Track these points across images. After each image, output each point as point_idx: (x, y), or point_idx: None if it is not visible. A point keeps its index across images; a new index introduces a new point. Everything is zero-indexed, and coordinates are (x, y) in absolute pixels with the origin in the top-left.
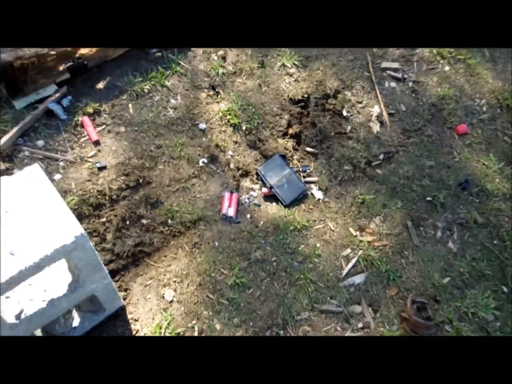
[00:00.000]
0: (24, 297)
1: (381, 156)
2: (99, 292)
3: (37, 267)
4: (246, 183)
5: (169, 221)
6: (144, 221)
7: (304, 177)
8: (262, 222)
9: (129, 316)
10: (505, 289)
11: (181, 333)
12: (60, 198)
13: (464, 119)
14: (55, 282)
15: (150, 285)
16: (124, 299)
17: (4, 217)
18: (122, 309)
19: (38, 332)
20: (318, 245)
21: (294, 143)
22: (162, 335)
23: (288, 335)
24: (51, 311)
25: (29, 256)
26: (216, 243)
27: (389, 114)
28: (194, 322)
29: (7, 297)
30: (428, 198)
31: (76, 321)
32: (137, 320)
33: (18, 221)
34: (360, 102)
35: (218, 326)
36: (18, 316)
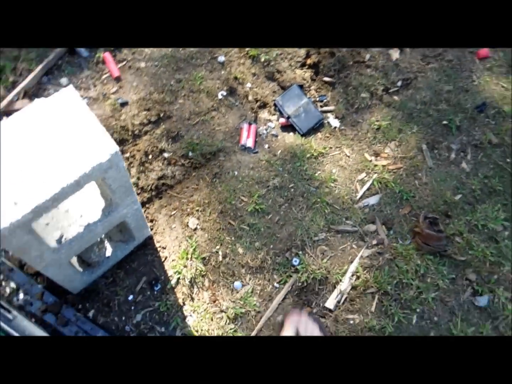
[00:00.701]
0: (62, 223)
1: (399, 83)
2: (130, 218)
3: (76, 185)
4: (264, 114)
5: (190, 154)
6: (166, 155)
7: (321, 106)
8: (279, 151)
9: (157, 245)
10: None
11: (206, 258)
12: (94, 118)
13: None
14: (90, 208)
15: (174, 215)
16: (151, 229)
17: (41, 138)
18: (150, 238)
19: (75, 262)
20: (334, 170)
21: (312, 74)
22: (190, 261)
23: (306, 256)
24: (88, 235)
25: (69, 174)
26: (236, 173)
27: None
28: (217, 247)
29: (47, 224)
30: (444, 122)
31: (108, 250)
32: (164, 248)
33: (55, 141)
34: None
35: (240, 250)
36: (59, 241)
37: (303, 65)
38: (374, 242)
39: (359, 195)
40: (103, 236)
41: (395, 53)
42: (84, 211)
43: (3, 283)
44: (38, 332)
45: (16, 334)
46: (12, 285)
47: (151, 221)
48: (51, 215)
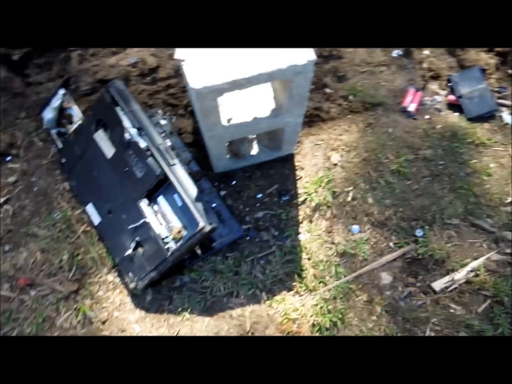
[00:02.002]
0: (235, 109)
1: None
2: (289, 128)
3: (269, 76)
4: (433, 86)
5: (350, 97)
6: (327, 90)
7: (498, 98)
8: (440, 126)
9: (296, 164)
10: None
11: (337, 193)
12: None
13: None
14: (261, 106)
15: (319, 145)
16: (295, 149)
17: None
18: (292, 156)
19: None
20: (491, 165)
21: (498, 62)
22: (322, 189)
23: (432, 232)
24: (251, 126)
25: (268, 65)
26: (390, 130)
27: None
28: (350, 188)
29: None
30: None
31: (254, 150)
32: (302, 169)
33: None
34: None
35: (370, 200)
36: (228, 121)
37: (490, 50)
38: (508, 250)
39: (510, 199)
40: (254, 136)
41: None
42: (255, 106)
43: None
44: (188, 181)
45: (173, 179)
46: (169, 143)
47: (297, 142)
48: (231, 99)
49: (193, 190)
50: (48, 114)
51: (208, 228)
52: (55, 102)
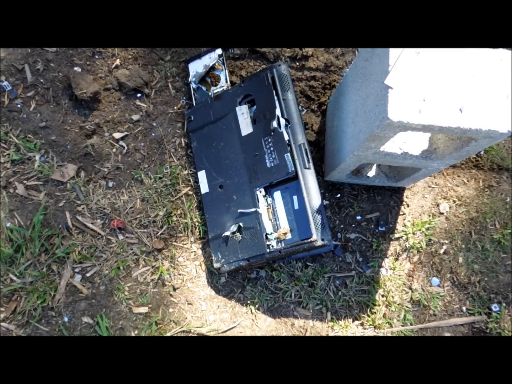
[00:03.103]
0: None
1: None
2: (427, 170)
3: (462, 132)
4: None
5: (482, 152)
6: None
7: None
8: None
9: (404, 199)
10: None
11: (431, 241)
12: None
13: None
14: (415, 143)
15: (432, 189)
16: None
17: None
18: (403, 189)
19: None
20: None
21: None
22: (420, 232)
23: (507, 311)
24: (397, 159)
25: (466, 121)
26: (508, 199)
27: None
28: (446, 241)
29: None
30: None
31: (371, 173)
32: (408, 206)
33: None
34: None
35: (460, 259)
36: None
37: None
38: None
39: None
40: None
41: None
42: (409, 141)
43: None
44: (315, 189)
45: (302, 182)
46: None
47: None
48: None
49: (317, 199)
50: (197, 67)
51: (319, 243)
52: (208, 59)
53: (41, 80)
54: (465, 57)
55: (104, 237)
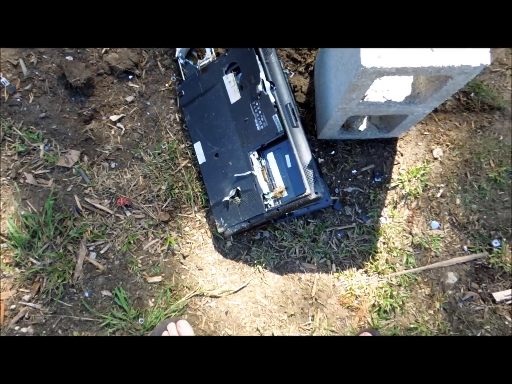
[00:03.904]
0: (371, 88)
1: None
2: (413, 116)
3: (436, 70)
4: None
5: (472, 94)
6: None
7: None
8: None
9: (398, 149)
10: None
11: (428, 186)
12: None
13: None
14: (397, 90)
15: (425, 136)
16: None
17: None
18: (395, 139)
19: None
20: None
21: None
22: (415, 179)
23: (508, 245)
24: (382, 107)
25: (441, 60)
26: (501, 137)
27: None
28: (442, 185)
29: None
30: None
31: (363, 126)
32: (402, 155)
33: None
34: None
35: (458, 201)
36: (362, 99)
37: None
38: None
39: None
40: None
41: None
42: (392, 89)
43: None
44: (305, 146)
45: (292, 140)
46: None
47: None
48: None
49: (308, 155)
50: None
51: (313, 196)
52: None
53: (36, 73)
54: None
55: (112, 216)
